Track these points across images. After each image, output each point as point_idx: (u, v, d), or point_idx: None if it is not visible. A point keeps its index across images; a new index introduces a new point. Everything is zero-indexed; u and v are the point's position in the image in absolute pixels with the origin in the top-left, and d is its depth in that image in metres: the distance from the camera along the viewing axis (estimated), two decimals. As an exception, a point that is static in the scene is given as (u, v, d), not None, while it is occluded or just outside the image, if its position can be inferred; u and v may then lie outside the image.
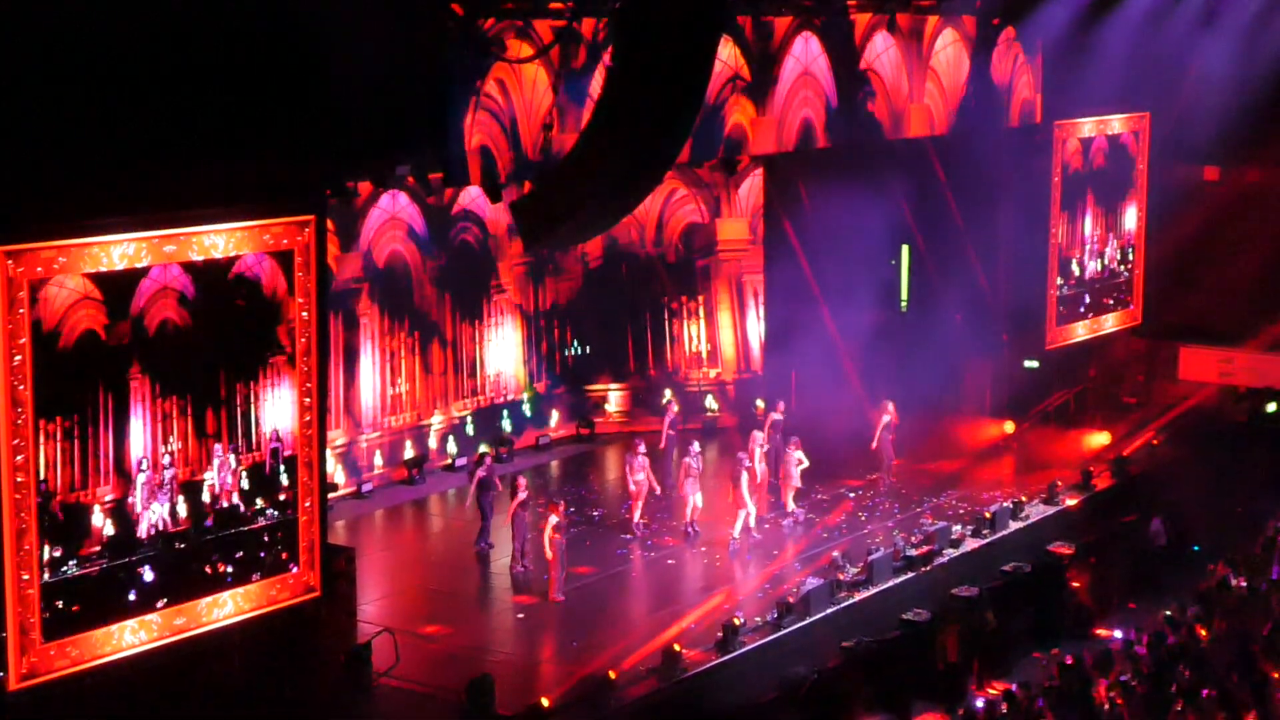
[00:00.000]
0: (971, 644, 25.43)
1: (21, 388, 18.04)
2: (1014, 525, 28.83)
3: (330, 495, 24.77)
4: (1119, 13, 33.86)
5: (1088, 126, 35.02)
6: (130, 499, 19.46)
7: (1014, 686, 21.55)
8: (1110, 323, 36.66)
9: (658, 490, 28.62)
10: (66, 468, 18.77)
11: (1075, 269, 35.39)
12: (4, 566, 18.17)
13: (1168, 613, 24.69)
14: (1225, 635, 23.28)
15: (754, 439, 28.86)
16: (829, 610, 24.64)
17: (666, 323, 36.04)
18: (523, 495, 26.41)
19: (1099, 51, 33.84)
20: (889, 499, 30.40)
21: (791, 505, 29.09)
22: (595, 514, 29.57)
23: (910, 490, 30.99)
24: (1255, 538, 28.01)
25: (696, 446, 28.28)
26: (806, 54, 33.54)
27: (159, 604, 19.68)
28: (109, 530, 19.26)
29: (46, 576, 18.58)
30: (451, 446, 31.94)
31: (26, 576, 18.31)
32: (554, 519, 25.14)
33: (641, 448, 28.25)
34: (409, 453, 31.10)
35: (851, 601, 25.08)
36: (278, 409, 20.90)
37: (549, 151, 29.06)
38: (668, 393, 34.13)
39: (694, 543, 27.93)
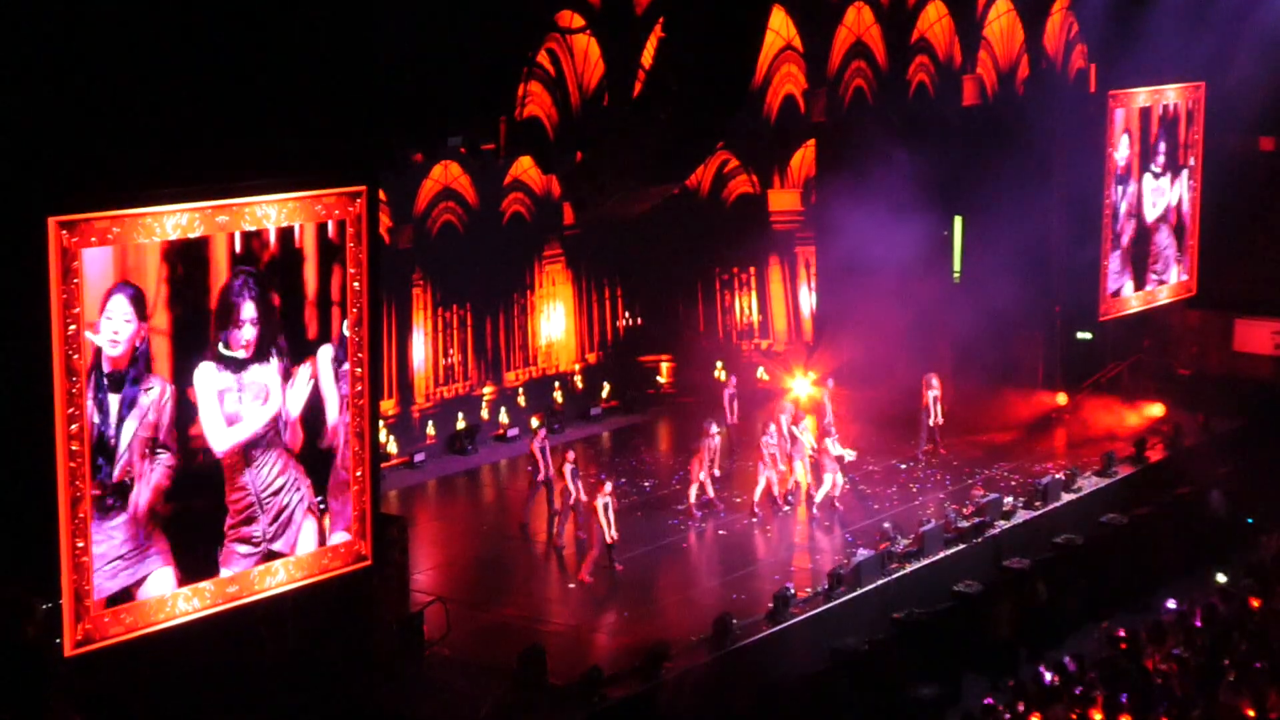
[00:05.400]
0: (1025, 617, 25.38)
1: (76, 357, 18.15)
2: (1066, 497, 28.71)
3: (382, 465, 24.88)
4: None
5: (1142, 96, 34.75)
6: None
7: (1066, 659, 21.49)
8: (1164, 294, 36.42)
9: (718, 473, 28.49)
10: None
11: (1129, 238, 35.15)
12: (59, 534, 18.30)
13: (1221, 584, 24.59)
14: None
15: (782, 409, 28.72)
16: (880, 581, 24.59)
17: (718, 293, 36.03)
18: (569, 467, 26.37)
19: (1154, 21, 33.60)
20: (941, 470, 30.36)
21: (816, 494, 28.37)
22: (647, 485, 29.59)
23: (962, 462, 30.91)
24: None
25: (773, 428, 28.15)
26: (859, 23, 33.47)
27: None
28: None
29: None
30: (503, 417, 32.01)
31: (81, 544, 18.43)
32: (601, 499, 25.09)
33: (714, 429, 28.18)
34: (460, 423, 31.17)
35: (902, 573, 25.03)
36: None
37: (601, 122, 29.06)
38: (719, 365, 34.09)
39: (778, 514, 27.92)
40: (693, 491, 27.80)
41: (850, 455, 28.65)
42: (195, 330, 19.35)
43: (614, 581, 25.04)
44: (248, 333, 19.82)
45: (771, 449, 27.81)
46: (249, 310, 19.81)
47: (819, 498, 27.91)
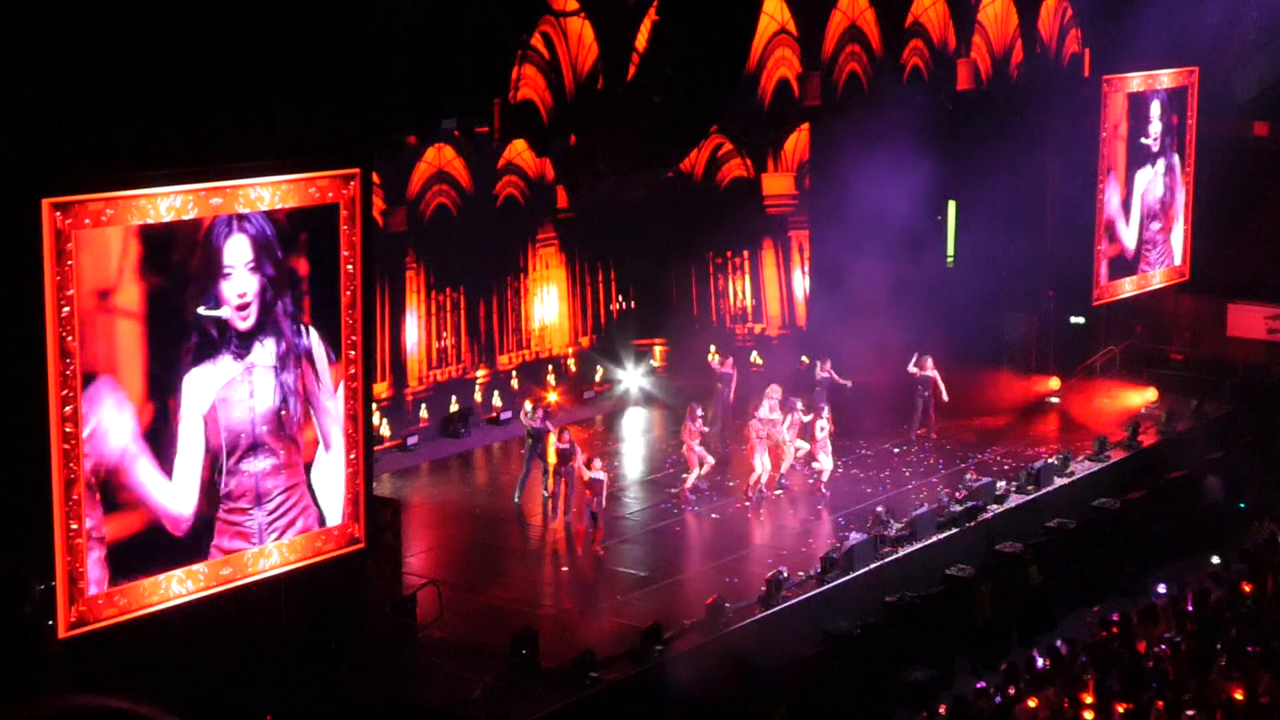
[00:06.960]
0: (1009, 600, 25.42)
1: (69, 339, 18.13)
2: (1059, 481, 28.76)
3: (375, 448, 24.86)
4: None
5: (1136, 81, 34.75)
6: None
7: (1058, 642, 21.55)
8: (1157, 279, 36.44)
9: (710, 461, 28.34)
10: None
11: (1122, 224, 35.14)
12: (53, 516, 18.29)
13: (1213, 569, 24.65)
14: (1273, 592, 23.23)
15: (768, 394, 28.61)
16: (873, 565, 24.63)
17: (712, 277, 36.00)
18: (564, 448, 26.38)
19: (1148, 6, 33.57)
20: (933, 454, 30.38)
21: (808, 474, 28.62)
22: (640, 469, 29.61)
23: (955, 446, 30.94)
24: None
25: (763, 412, 28.08)
26: (853, 7, 33.42)
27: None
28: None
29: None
30: (496, 400, 32.00)
31: (75, 526, 18.43)
32: (591, 474, 25.16)
33: (699, 412, 28.09)
34: (453, 406, 31.16)
35: (895, 557, 25.07)
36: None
37: (595, 105, 29.02)
38: (713, 348, 34.05)
39: (757, 503, 27.80)
40: (692, 477, 27.79)
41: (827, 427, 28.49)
42: (190, 316, 19.40)
43: (606, 565, 25.05)
44: (242, 313, 19.81)
45: (763, 431, 27.75)
46: (243, 292, 19.82)
47: (825, 478, 27.94)
